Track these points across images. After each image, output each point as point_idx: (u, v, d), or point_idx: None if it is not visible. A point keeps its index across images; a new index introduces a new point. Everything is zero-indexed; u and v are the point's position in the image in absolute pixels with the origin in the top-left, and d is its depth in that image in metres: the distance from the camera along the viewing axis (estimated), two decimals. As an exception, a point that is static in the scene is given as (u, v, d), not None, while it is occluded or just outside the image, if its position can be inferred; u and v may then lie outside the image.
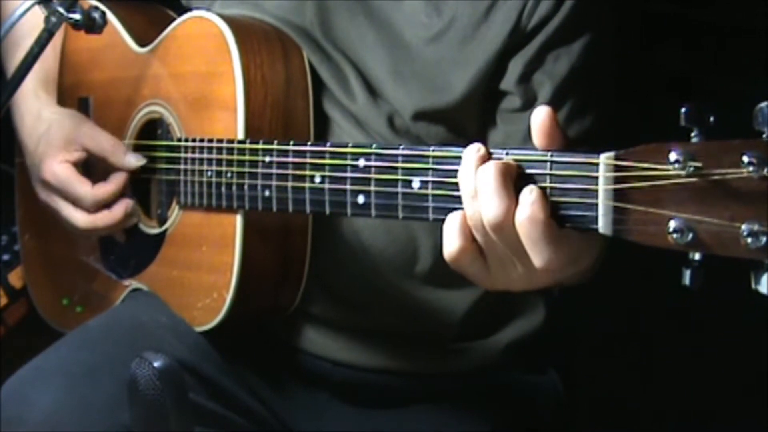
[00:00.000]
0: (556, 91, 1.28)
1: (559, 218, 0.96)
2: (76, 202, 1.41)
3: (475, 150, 1.00)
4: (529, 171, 0.97)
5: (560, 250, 0.96)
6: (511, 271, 1.01)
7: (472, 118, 1.32)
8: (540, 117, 0.97)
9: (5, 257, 1.75)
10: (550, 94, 1.28)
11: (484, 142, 1.01)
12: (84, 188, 1.40)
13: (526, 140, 1.26)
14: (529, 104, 1.29)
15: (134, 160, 1.41)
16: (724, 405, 1.74)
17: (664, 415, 1.79)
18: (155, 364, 1.12)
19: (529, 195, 0.95)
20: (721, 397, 1.75)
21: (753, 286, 0.86)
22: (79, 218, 1.41)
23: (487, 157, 0.99)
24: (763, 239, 0.83)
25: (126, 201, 1.41)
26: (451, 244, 1.00)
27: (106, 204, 1.41)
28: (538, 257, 0.96)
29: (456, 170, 1.02)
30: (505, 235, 0.97)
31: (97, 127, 1.43)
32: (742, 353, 1.70)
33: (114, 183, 1.41)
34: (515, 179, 0.97)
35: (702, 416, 1.76)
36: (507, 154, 0.99)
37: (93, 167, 1.46)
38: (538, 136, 0.97)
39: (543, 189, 0.96)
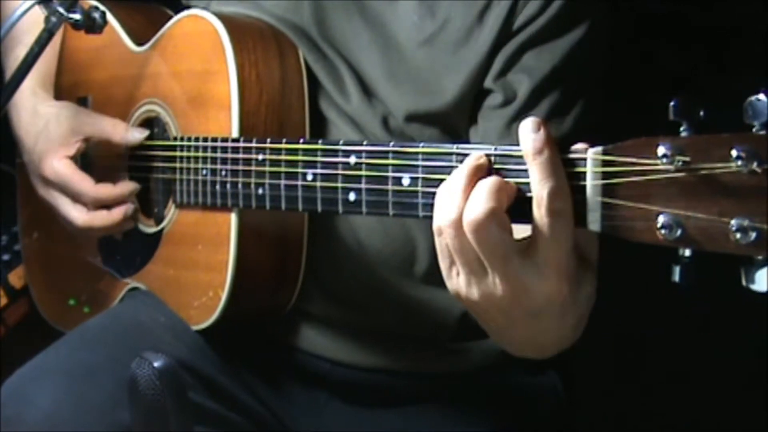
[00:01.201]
0: (535, 88, 1.26)
1: None
2: (76, 197, 1.41)
3: (475, 158, 0.98)
4: (516, 167, 0.96)
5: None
6: (482, 281, 0.98)
7: (465, 119, 1.32)
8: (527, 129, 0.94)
9: (5, 257, 1.76)
10: (529, 91, 1.26)
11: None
12: (85, 184, 1.40)
13: (503, 136, 1.25)
14: (508, 101, 1.28)
15: (138, 134, 1.41)
16: (724, 405, 1.73)
17: (664, 415, 1.78)
18: (155, 364, 1.12)
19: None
20: (721, 396, 1.73)
21: (743, 283, 0.85)
22: (77, 216, 1.41)
23: (488, 165, 0.97)
24: (753, 235, 0.82)
25: (126, 205, 1.41)
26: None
27: (106, 205, 1.41)
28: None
29: (444, 167, 1.01)
30: (491, 241, 0.95)
31: (95, 113, 1.44)
32: (742, 353, 1.69)
33: (120, 188, 1.41)
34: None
35: (702, 416, 1.75)
36: (495, 149, 0.98)
37: (94, 166, 1.46)
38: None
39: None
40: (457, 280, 0.99)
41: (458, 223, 0.95)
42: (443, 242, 0.97)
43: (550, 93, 1.27)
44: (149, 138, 1.43)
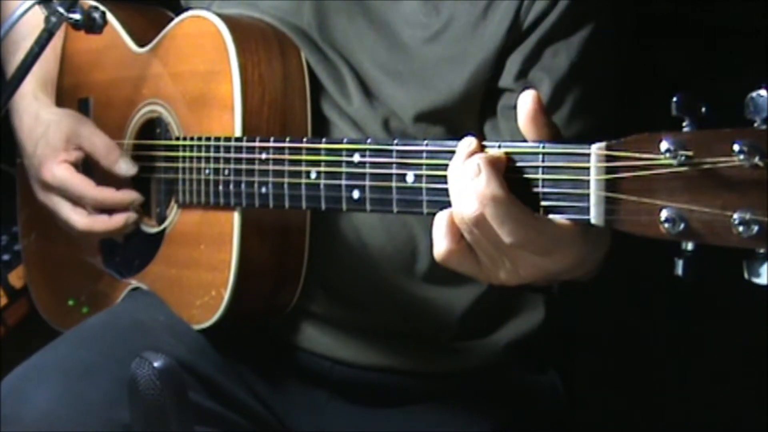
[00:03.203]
0: (556, 87, 1.27)
1: (550, 209, 0.95)
2: (76, 201, 1.41)
3: (466, 144, 1.00)
4: (520, 163, 0.97)
5: (537, 235, 0.95)
6: (501, 267, 0.99)
7: (471, 117, 1.32)
8: (527, 102, 0.96)
9: (5, 257, 1.76)
10: (550, 90, 1.27)
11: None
12: (86, 187, 1.41)
13: None
14: None
15: (125, 167, 1.41)
16: (724, 404, 1.73)
17: (664, 414, 1.78)
18: (155, 364, 1.12)
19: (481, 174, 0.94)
20: (721, 396, 1.74)
21: (746, 276, 0.86)
22: (77, 220, 1.42)
23: (478, 150, 0.99)
24: (755, 228, 0.83)
25: (128, 213, 1.42)
26: (439, 245, 0.99)
27: (107, 207, 1.41)
28: (509, 238, 0.95)
29: (449, 164, 1.01)
30: (486, 231, 0.96)
31: (96, 128, 1.44)
32: (743, 352, 1.69)
33: (122, 195, 1.41)
34: (503, 172, 0.96)
35: (702, 416, 1.75)
36: (500, 146, 0.99)
37: (96, 167, 1.46)
38: (525, 122, 0.96)
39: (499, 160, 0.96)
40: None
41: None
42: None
43: (571, 90, 1.28)
44: (152, 138, 1.43)
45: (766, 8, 1.55)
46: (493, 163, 0.95)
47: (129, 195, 1.42)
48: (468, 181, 0.95)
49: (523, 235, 0.94)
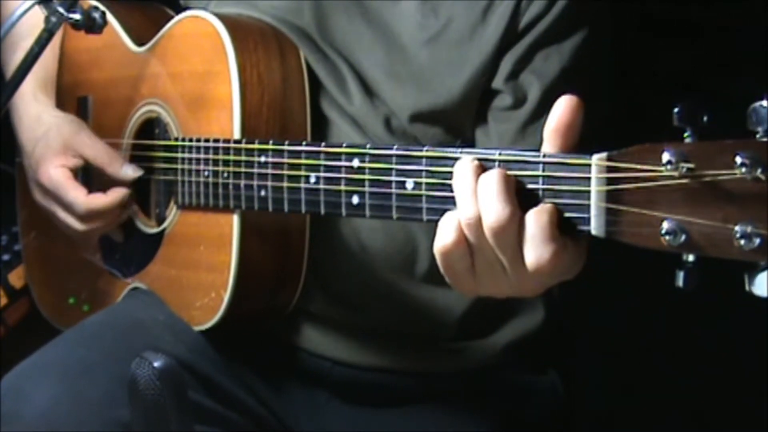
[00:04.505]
0: (545, 90, 1.27)
1: None
2: (68, 208, 1.41)
3: (469, 160, 0.99)
4: (521, 172, 0.96)
5: (558, 256, 0.94)
6: (499, 276, 0.99)
7: (469, 119, 1.32)
8: (560, 110, 0.95)
9: (5, 257, 1.76)
10: (539, 94, 1.27)
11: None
12: (77, 195, 1.40)
13: (517, 139, 1.26)
14: (519, 103, 1.28)
15: (131, 172, 1.40)
16: (724, 405, 1.74)
17: (664, 415, 1.78)
18: (155, 364, 1.12)
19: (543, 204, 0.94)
20: (721, 396, 1.74)
21: (747, 288, 0.86)
22: (74, 222, 1.41)
23: (480, 164, 0.98)
24: (757, 241, 0.83)
25: (123, 190, 1.40)
26: (446, 236, 0.98)
27: (99, 214, 1.41)
28: (533, 258, 0.94)
29: (449, 171, 1.01)
30: (504, 240, 0.95)
31: (96, 136, 1.43)
32: (742, 353, 1.69)
33: (111, 197, 1.40)
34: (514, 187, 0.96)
35: (702, 416, 1.75)
36: (500, 154, 0.98)
37: (93, 174, 1.46)
38: (553, 132, 0.95)
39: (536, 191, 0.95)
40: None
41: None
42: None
43: (561, 94, 1.27)
44: (151, 138, 1.43)
45: (766, 8, 1.54)
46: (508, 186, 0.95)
47: (117, 193, 1.40)
48: (491, 192, 0.94)
49: (547, 260, 0.94)
